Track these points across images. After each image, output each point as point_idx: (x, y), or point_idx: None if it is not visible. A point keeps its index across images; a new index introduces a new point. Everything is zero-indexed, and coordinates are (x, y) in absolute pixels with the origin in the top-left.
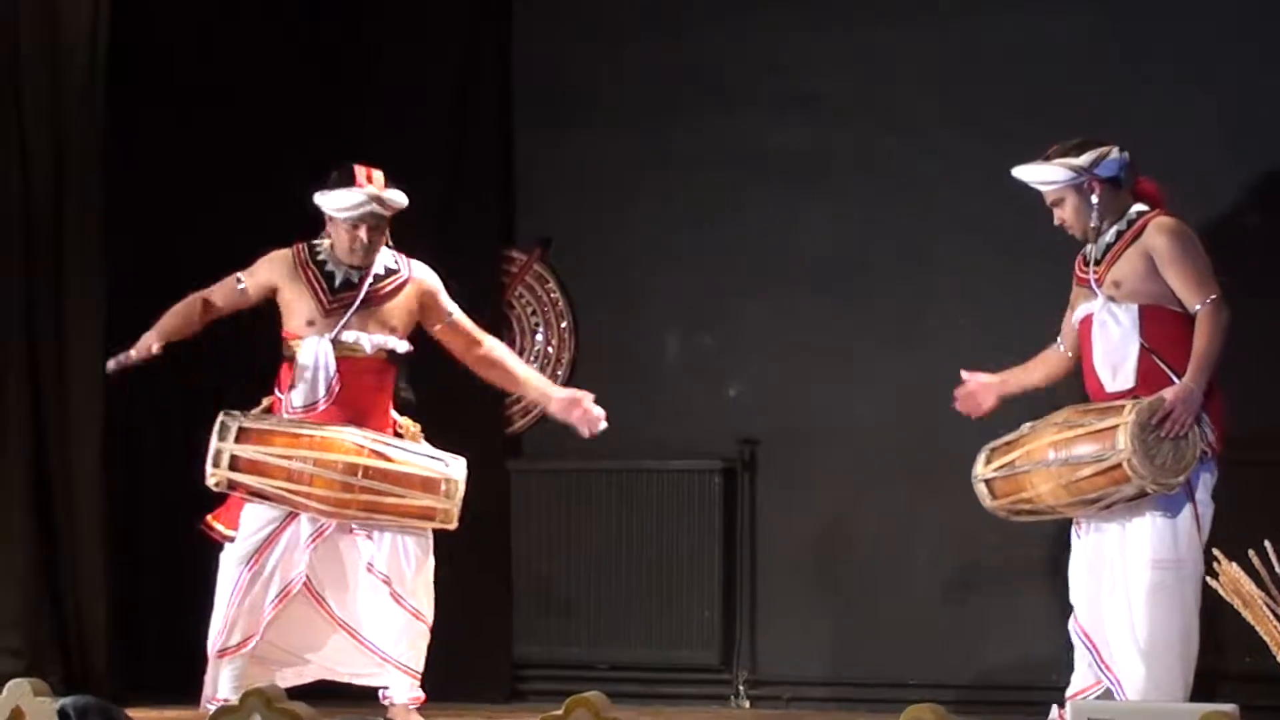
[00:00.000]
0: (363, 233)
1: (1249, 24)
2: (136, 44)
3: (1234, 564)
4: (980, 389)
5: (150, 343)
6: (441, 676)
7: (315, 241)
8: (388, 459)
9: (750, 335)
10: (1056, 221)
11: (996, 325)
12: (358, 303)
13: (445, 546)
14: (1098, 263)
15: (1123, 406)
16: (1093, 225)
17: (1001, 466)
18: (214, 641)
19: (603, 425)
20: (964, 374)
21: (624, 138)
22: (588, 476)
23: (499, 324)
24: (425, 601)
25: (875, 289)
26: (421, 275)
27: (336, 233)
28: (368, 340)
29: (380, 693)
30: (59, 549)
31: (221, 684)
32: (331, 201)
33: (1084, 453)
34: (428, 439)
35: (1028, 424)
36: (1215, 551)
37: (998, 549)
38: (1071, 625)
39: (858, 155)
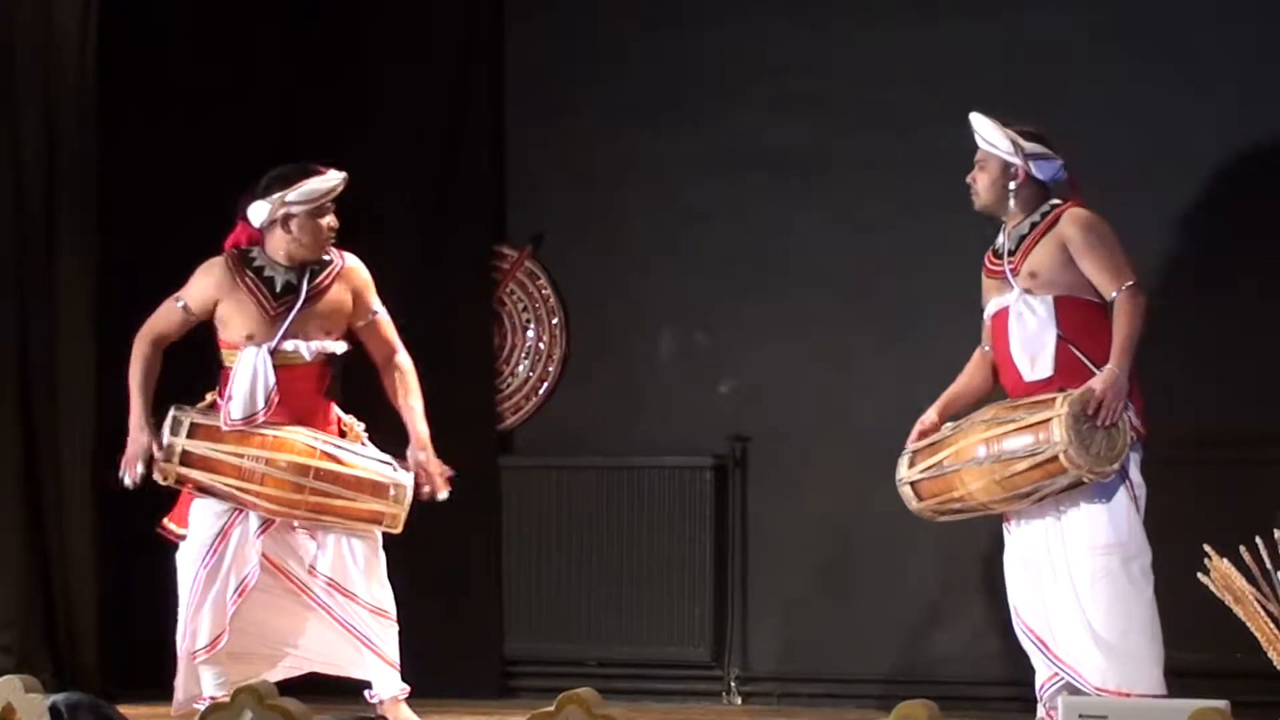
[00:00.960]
0: (331, 218)
1: (1249, 24)
2: (129, 42)
3: (1225, 560)
4: (929, 429)
5: (147, 445)
6: (432, 673)
7: (245, 248)
8: (339, 461)
9: (743, 332)
10: (969, 178)
11: None
12: (299, 304)
13: (438, 544)
14: (1011, 254)
15: (1053, 399)
16: (1010, 207)
17: (928, 468)
18: (184, 644)
19: (442, 495)
20: (918, 431)
21: (617, 135)
22: (579, 473)
23: (490, 320)
24: (384, 598)
25: (869, 287)
26: (354, 264)
27: (303, 229)
28: (306, 348)
29: (366, 693)
30: (50, 546)
31: (205, 684)
32: (305, 193)
33: (1017, 447)
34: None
35: (949, 424)
36: (1206, 547)
37: (989, 546)
38: (1016, 624)
39: (854, 154)
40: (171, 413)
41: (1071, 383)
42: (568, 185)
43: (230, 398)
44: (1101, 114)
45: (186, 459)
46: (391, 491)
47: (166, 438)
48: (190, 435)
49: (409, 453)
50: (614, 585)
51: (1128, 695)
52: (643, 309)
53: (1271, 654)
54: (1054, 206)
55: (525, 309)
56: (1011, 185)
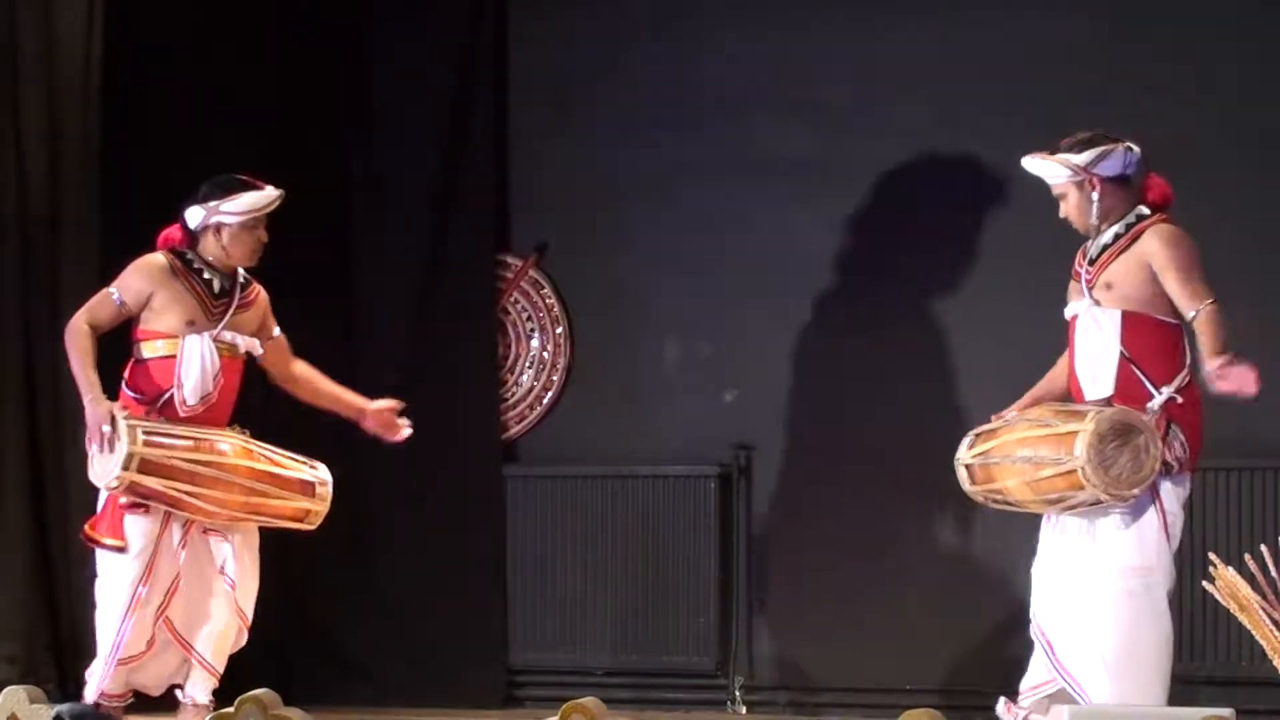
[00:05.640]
0: (262, 232)
1: (1249, 24)
2: (132, 48)
3: (1230, 569)
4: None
5: (108, 410)
6: (437, 682)
7: (180, 250)
8: (275, 463)
9: (746, 340)
10: (1061, 214)
11: (996, 330)
12: (233, 308)
13: (443, 553)
14: (1093, 262)
15: (1086, 413)
16: (1093, 223)
17: (980, 453)
18: (110, 651)
19: (405, 433)
20: (994, 418)
21: (620, 143)
22: (583, 482)
23: (494, 330)
24: (251, 604)
25: (873, 295)
26: (261, 290)
27: (234, 239)
28: (241, 340)
29: (178, 693)
30: (54, 555)
31: (118, 682)
32: (242, 205)
33: (1045, 454)
34: (426, 444)
35: (1013, 412)
36: (1211, 556)
37: (993, 554)
38: (1031, 622)
39: (857, 161)
40: (124, 422)
41: (1130, 403)
42: (571, 194)
43: (181, 385)
44: (1100, 120)
45: (144, 466)
46: (318, 489)
47: (126, 447)
48: (145, 444)
49: (367, 409)
50: (618, 594)
51: None
52: (647, 318)
53: (1276, 662)
54: (1141, 218)
55: (529, 318)
56: (1094, 196)
